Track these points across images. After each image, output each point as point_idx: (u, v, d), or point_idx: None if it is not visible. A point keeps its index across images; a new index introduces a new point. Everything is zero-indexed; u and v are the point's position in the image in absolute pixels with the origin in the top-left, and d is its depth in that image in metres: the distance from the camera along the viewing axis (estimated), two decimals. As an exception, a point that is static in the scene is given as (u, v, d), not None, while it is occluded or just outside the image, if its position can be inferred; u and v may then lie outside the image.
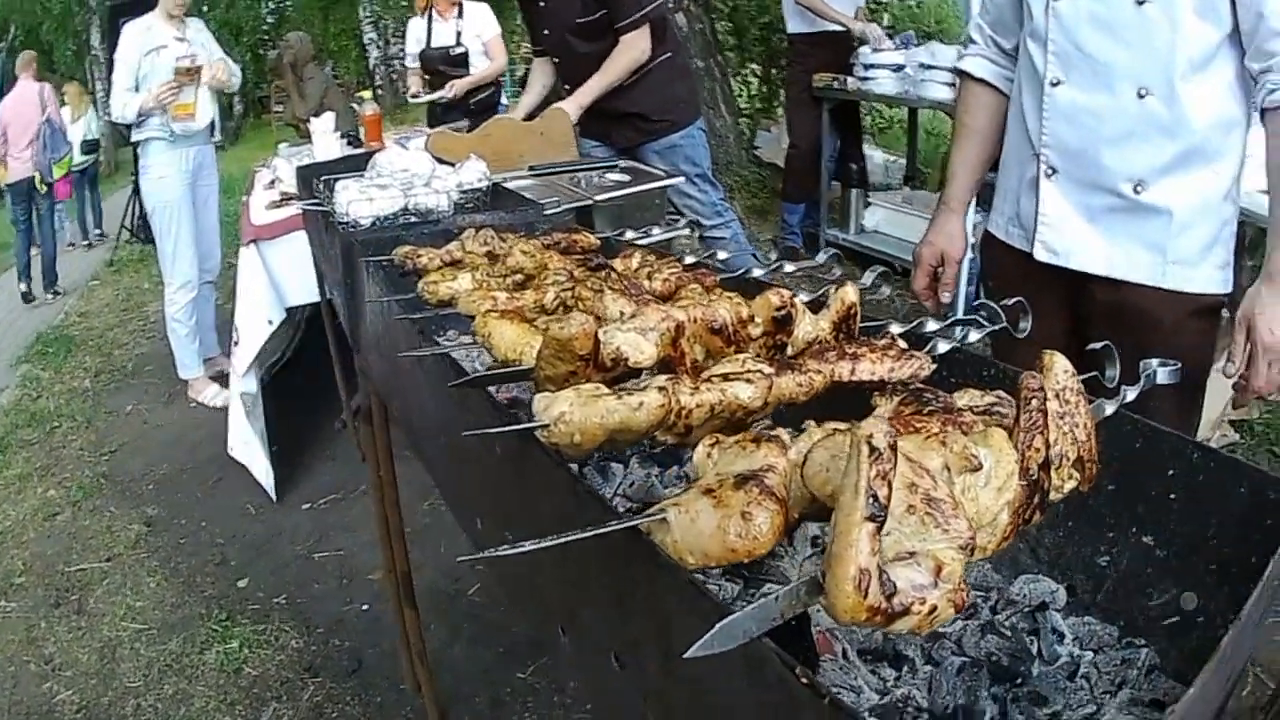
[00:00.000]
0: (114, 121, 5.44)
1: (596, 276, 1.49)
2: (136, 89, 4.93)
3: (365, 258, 2.02)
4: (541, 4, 4.35)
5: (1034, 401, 0.83)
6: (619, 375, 1.14)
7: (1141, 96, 1.89)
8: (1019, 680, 1.00)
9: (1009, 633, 1.02)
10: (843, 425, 0.87)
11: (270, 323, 4.07)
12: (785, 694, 0.67)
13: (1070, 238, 2.03)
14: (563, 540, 0.74)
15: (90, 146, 11.72)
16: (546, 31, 4.45)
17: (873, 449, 0.64)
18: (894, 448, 0.65)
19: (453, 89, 6.33)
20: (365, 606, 3.53)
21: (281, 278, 4.11)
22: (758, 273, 1.64)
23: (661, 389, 0.97)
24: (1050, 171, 2.03)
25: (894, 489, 0.66)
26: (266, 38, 19.42)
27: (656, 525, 0.76)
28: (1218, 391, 4.17)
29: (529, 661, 3.12)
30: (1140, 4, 1.85)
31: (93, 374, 6.14)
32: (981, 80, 2.23)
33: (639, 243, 2.06)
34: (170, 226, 5.18)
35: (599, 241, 2.03)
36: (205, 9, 4.85)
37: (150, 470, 4.74)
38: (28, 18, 21.46)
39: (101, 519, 4.31)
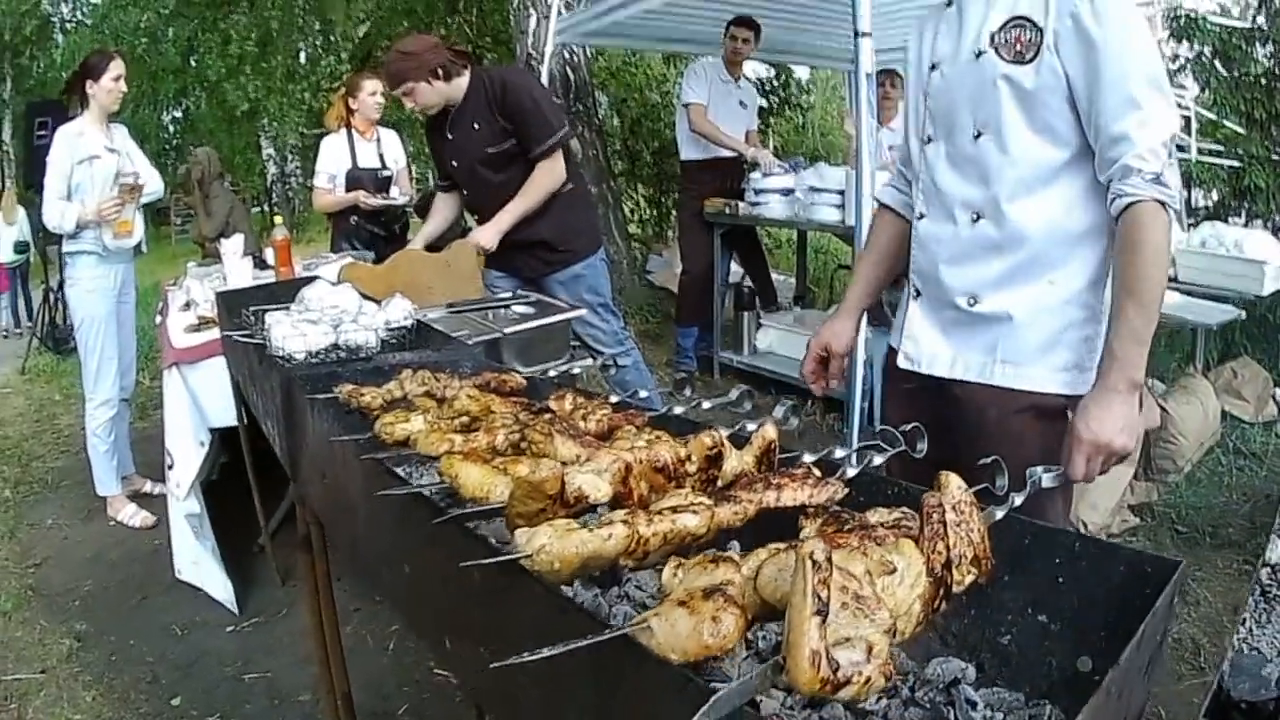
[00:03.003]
0: (50, 232, 5.29)
1: (542, 420, 1.67)
2: (68, 197, 4.91)
3: (309, 395, 2.14)
4: (449, 137, 4.50)
5: (934, 515, 1.05)
6: (578, 510, 1.33)
7: (974, 221, 2.13)
8: (941, 747, 1.18)
9: (928, 705, 1.21)
10: (782, 545, 1.07)
11: (202, 444, 4.10)
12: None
13: (925, 346, 2.28)
14: (573, 646, 0.92)
15: (22, 247, 12.01)
16: (455, 164, 4.60)
17: (814, 562, 0.83)
18: (829, 560, 0.85)
19: (408, 197, 6.33)
20: (299, 727, 3.56)
21: (203, 400, 4.14)
22: (679, 410, 1.86)
23: (625, 522, 1.17)
24: (915, 293, 2.31)
25: (831, 591, 0.85)
26: (169, 147, 18.85)
27: (641, 632, 0.95)
28: (1109, 484, 4.45)
29: (468, 779, 3.20)
30: (976, 138, 2.10)
31: (12, 484, 6.05)
32: (888, 206, 2.53)
33: (554, 373, 2.27)
34: (96, 342, 5.13)
35: (525, 382, 2.21)
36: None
37: (75, 586, 4.70)
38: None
39: (33, 631, 4.27)
